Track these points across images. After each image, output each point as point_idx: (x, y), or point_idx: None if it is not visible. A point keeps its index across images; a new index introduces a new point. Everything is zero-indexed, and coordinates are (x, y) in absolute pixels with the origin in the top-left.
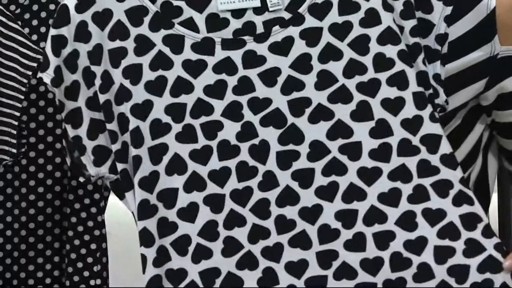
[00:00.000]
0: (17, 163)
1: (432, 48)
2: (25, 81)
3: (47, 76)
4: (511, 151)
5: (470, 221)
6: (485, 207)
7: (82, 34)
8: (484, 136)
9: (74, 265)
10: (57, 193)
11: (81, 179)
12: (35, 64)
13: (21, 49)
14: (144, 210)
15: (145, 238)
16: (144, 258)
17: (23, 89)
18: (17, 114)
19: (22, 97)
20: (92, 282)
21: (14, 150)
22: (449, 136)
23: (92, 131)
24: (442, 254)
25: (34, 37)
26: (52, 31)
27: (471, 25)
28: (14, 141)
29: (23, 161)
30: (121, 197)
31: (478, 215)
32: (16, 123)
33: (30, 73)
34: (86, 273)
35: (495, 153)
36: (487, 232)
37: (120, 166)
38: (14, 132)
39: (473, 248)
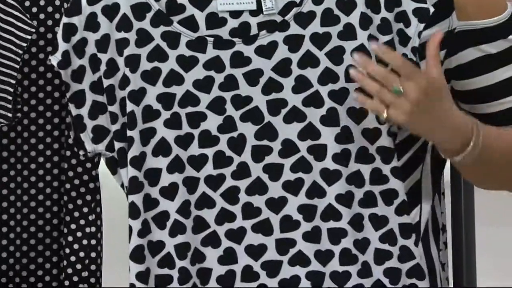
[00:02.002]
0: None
1: (408, 57)
2: (20, 52)
3: (55, 59)
4: (471, 113)
5: (406, 230)
6: (441, 167)
7: (92, 24)
8: None
9: (71, 216)
10: (55, 150)
11: (81, 153)
12: (29, 37)
13: (17, 23)
14: (133, 186)
15: (133, 211)
16: (130, 228)
17: (18, 59)
18: (13, 82)
19: (17, 66)
20: (87, 230)
21: (10, 114)
22: None
23: (93, 111)
24: (380, 256)
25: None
26: (64, 19)
27: (432, 2)
28: (9, 106)
29: (25, 121)
30: (114, 172)
31: (412, 224)
32: (12, 89)
33: (24, 44)
34: (82, 222)
35: None
36: (416, 242)
37: (118, 145)
38: (10, 98)
39: (405, 254)
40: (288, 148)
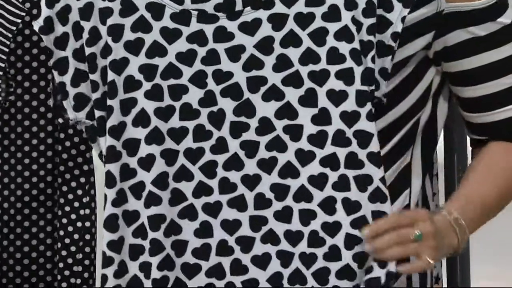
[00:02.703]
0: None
1: (386, 43)
2: (9, 35)
3: (37, 24)
4: (461, 97)
5: (379, 218)
6: (432, 149)
7: None
8: (434, 84)
9: (65, 198)
10: (49, 132)
11: (60, 120)
12: (19, 20)
13: (7, 6)
14: (111, 155)
15: (109, 180)
16: (105, 197)
17: (8, 42)
18: (4, 57)
19: (7, 50)
20: (81, 212)
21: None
22: (401, 83)
23: (76, 79)
24: (351, 241)
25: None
26: None
27: None
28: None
29: (18, 103)
30: (93, 140)
31: (387, 214)
32: (3, 65)
33: (14, 28)
34: (76, 204)
35: (445, 99)
36: None
37: (98, 113)
38: (1, 73)
39: None
40: (265, 126)
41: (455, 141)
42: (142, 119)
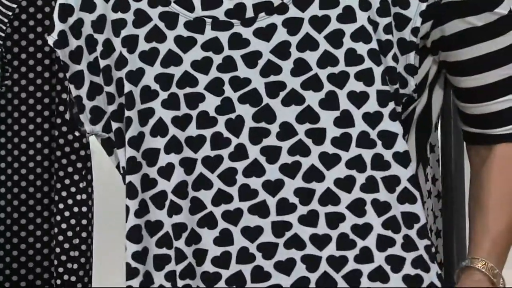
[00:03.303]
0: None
1: (407, 40)
2: (5, 20)
3: (51, 39)
4: (457, 87)
5: (409, 219)
6: (426, 139)
7: (88, 5)
8: (430, 73)
9: (62, 183)
10: (45, 117)
11: (77, 133)
12: (15, 6)
13: None
14: (131, 166)
15: (130, 191)
16: (128, 208)
17: (4, 27)
18: (0, 42)
19: (3, 35)
20: (78, 197)
21: None
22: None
23: (91, 92)
24: (383, 243)
25: None
26: (61, 0)
27: None
28: None
29: (15, 88)
30: (110, 153)
31: (417, 215)
32: None
33: (10, 13)
34: (73, 189)
35: (441, 89)
36: (422, 232)
37: (115, 125)
38: None
39: (408, 244)
40: (286, 131)
41: (452, 126)
42: (160, 129)
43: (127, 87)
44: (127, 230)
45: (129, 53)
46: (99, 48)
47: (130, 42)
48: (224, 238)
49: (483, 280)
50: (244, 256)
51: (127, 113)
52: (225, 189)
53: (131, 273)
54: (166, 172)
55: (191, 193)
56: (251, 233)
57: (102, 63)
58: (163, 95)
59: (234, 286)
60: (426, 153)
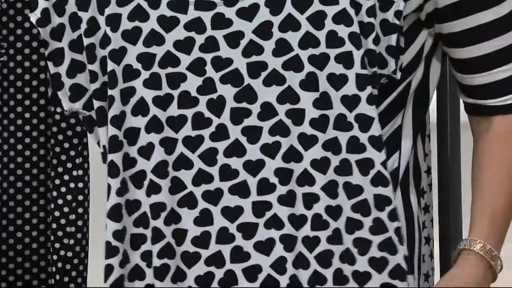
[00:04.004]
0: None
1: (390, 21)
2: None
3: (34, 16)
4: (454, 58)
5: (380, 202)
6: (423, 111)
7: None
8: (426, 46)
9: (58, 159)
10: (41, 93)
11: (58, 110)
12: None
13: None
14: (113, 145)
15: (112, 170)
16: (109, 187)
17: None
18: None
19: None
20: (74, 173)
21: None
22: None
23: (71, 70)
24: (351, 225)
25: None
26: None
27: None
28: None
29: (11, 64)
30: (90, 130)
31: (389, 198)
32: None
33: None
34: (69, 165)
35: (438, 61)
36: (392, 215)
37: (97, 103)
38: None
39: (378, 227)
40: (267, 111)
41: (447, 101)
42: (141, 108)
43: (110, 65)
44: (108, 208)
45: (112, 32)
46: (83, 26)
47: (114, 21)
48: (204, 218)
49: (480, 266)
50: (224, 236)
51: (109, 92)
52: (206, 169)
53: (110, 251)
54: (146, 151)
55: (171, 173)
56: (231, 213)
57: (86, 41)
58: (145, 74)
59: (212, 266)
60: (424, 126)
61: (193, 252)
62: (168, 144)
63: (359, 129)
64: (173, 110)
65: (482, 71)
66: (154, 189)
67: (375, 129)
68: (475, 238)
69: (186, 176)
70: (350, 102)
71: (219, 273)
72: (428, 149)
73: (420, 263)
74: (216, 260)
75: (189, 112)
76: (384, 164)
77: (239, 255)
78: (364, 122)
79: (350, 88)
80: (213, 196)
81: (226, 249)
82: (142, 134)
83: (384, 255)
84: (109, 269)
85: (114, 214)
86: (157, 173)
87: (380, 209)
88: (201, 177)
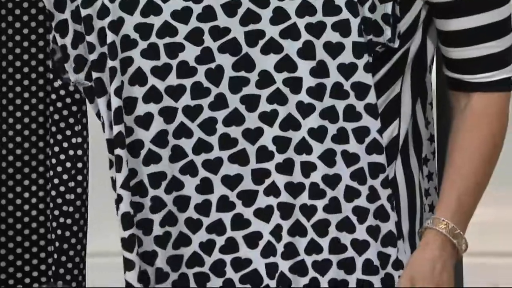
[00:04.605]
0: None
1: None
2: None
3: None
4: (441, 30)
5: (375, 169)
6: (422, 78)
7: None
8: (422, 14)
9: (57, 126)
10: (40, 60)
11: (59, 82)
12: None
13: None
14: (119, 116)
15: (120, 141)
16: (120, 158)
17: None
18: None
19: None
20: (73, 140)
21: None
22: None
23: (75, 41)
24: (350, 194)
25: None
26: None
27: None
28: None
29: (9, 31)
30: (91, 101)
31: (383, 165)
32: None
33: None
34: (68, 132)
35: (435, 28)
36: (384, 183)
37: (95, 75)
38: None
39: (372, 195)
40: (265, 79)
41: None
42: (138, 78)
43: (110, 37)
44: (122, 179)
45: (110, 2)
46: None
47: None
48: (205, 187)
49: (443, 247)
50: (224, 204)
51: (111, 63)
52: (205, 139)
53: (129, 221)
54: (144, 121)
55: (171, 142)
56: (231, 181)
57: (83, 12)
58: (143, 44)
59: (213, 234)
60: (424, 93)
61: (196, 218)
62: (168, 114)
63: (355, 97)
64: (172, 79)
65: (467, 45)
66: (153, 158)
67: (371, 97)
68: (439, 217)
69: (186, 144)
70: (347, 70)
71: (220, 241)
72: (431, 116)
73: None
74: (217, 228)
75: (188, 82)
76: (380, 131)
77: (240, 222)
78: (361, 90)
79: (346, 57)
80: (213, 165)
81: (226, 217)
82: (139, 103)
83: (377, 223)
84: (133, 238)
85: (127, 183)
86: (157, 142)
87: (374, 177)
88: (201, 146)
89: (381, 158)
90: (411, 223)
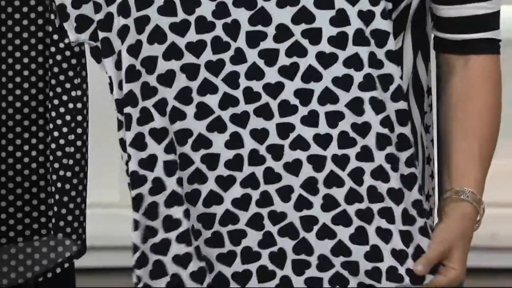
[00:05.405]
0: None
1: None
2: None
3: None
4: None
5: (403, 117)
6: (423, 31)
7: None
8: None
9: (56, 79)
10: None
11: (66, 41)
12: None
13: None
14: (131, 74)
15: (131, 99)
16: (129, 117)
17: None
18: None
19: None
20: (73, 93)
21: None
22: None
23: (77, 1)
24: (382, 142)
25: None
26: None
27: None
28: None
29: None
30: (98, 61)
31: (409, 112)
32: None
33: None
34: (67, 85)
35: None
36: (413, 131)
37: (102, 35)
38: None
39: (402, 142)
40: (282, 32)
41: None
42: (157, 36)
43: None
44: (131, 138)
45: None
46: None
47: None
48: (235, 141)
49: (471, 217)
50: (256, 158)
51: (123, 21)
52: (231, 93)
53: (139, 180)
54: (166, 78)
55: (196, 99)
56: (259, 135)
57: None
58: (159, 1)
59: (249, 188)
60: (425, 46)
61: (227, 175)
62: (190, 70)
63: (376, 45)
64: (192, 35)
65: (457, 3)
66: (178, 115)
67: (391, 44)
68: (464, 187)
69: (211, 100)
70: (366, 17)
71: (255, 195)
72: (429, 69)
73: (423, 182)
74: (251, 181)
75: (207, 37)
76: (402, 78)
77: (271, 176)
78: (380, 37)
79: (364, 3)
80: (241, 119)
81: (259, 171)
82: (160, 62)
83: (412, 170)
84: (139, 198)
85: (138, 143)
86: (181, 99)
87: (403, 124)
88: (228, 101)
89: (405, 105)
90: None
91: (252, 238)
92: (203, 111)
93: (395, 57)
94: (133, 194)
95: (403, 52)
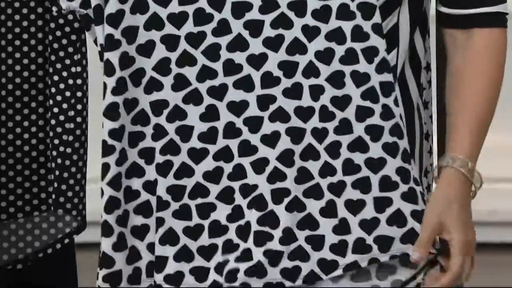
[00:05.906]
0: None
1: None
2: None
3: None
4: None
5: (387, 88)
6: (420, 6)
7: None
8: None
9: (56, 55)
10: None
11: (54, 9)
12: None
13: None
14: (109, 44)
15: (108, 68)
16: (105, 86)
17: None
18: None
19: None
20: (73, 69)
21: None
22: None
23: None
24: (362, 114)
25: None
26: None
27: None
28: None
29: None
30: (88, 28)
31: (393, 84)
32: None
33: None
34: (67, 61)
35: None
36: (397, 102)
37: (94, 2)
38: None
39: (386, 113)
40: (268, 4)
41: None
42: (140, 6)
43: None
44: (104, 107)
45: None
46: None
47: None
48: (210, 114)
49: (463, 186)
50: (231, 130)
51: None
52: (210, 65)
53: (107, 150)
54: (146, 49)
55: (174, 70)
56: (237, 107)
57: None
58: None
59: (221, 161)
60: (422, 22)
61: (200, 148)
62: (170, 41)
63: (362, 18)
64: (174, 6)
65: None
66: (155, 86)
67: (377, 17)
68: (456, 154)
69: (190, 72)
70: None
71: (228, 168)
72: (428, 45)
73: (421, 158)
74: (225, 154)
75: (190, 8)
76: (387, 50)
77: (246, 148)
78: (367, 10)
79: None
80: (218, 91)
81: (234, 143)
82: (140, 32)
83: (395, 139)
84: (105, 168)
85: (111, 113)
86: (159, 70)
87: (386, 95)
88: (206, 73)
89: (390, 77)
90: (410, 149)
91: (221, 212)
92: (180, 83)
93: (381, 30)
94: (101, 162)
95: (399, 27)
